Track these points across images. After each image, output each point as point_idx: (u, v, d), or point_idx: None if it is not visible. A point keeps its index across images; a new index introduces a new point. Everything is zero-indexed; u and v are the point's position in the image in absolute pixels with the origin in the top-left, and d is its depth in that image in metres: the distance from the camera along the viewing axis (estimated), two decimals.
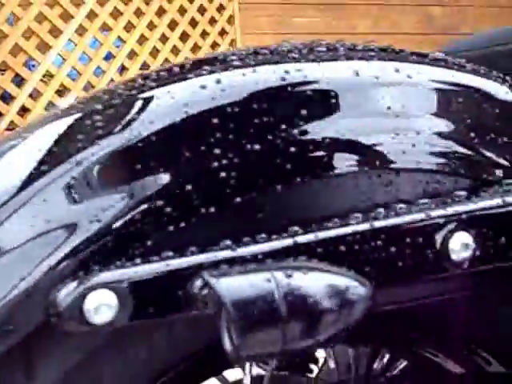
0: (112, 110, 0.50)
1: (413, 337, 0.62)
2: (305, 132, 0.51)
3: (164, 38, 3.91)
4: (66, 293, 0.43)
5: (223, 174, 0.48)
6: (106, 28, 3.71)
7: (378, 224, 0.49)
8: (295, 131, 0.51)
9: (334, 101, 0.53)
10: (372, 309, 0.44)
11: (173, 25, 3.91)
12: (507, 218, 0.52)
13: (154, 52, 3.89)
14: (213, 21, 4.06)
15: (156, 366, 0.54)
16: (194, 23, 3.98)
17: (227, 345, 0.40)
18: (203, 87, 0.50)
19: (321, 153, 0.51)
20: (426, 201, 0.53)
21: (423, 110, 0.56)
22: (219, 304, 0.38)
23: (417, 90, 0.57)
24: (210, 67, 0.52)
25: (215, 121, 0.48)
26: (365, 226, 0.48)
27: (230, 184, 0.48)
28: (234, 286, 0.38)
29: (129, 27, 3.75)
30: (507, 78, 0.63)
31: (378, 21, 4.83)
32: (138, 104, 0.50)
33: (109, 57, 3.76)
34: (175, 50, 3.96)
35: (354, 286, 0.41)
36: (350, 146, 0.52)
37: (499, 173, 0.57)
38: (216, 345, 0.50)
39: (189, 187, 0.47)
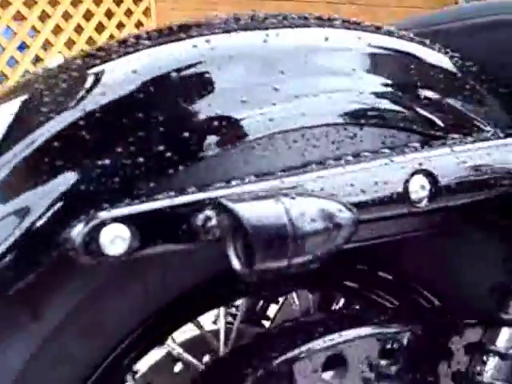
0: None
1: (367, 277, 0.70)
2: (258, 90, 0.57)
3: (79, 29, 3.88)
4: (82, 228, 0.48)
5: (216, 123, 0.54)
6: (19, 18, 3.66)
7: (350, 168, 0.56)
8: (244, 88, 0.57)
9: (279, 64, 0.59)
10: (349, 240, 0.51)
11: (88, 15, 3.89)
12: (454, 163, 0.60)
13: (70, 43, 3.86)
14: (129, 12, 4.07)
15: (148, 305, 0.60)
16: (109, 14, 3.98)
17: (238, 265, 0.46)
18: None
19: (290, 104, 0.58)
20: (386, 150, 0.60)
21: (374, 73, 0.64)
22: (235, 224, 0.44)
23: (356, 55, 0.64)
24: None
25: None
26: (339, 170, 0.55)
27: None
28: (249, 207, 0.45)
29: (43, 17, 3.71)
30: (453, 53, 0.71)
31: None
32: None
33: (23, 47, 3.70)
34: (91, 41, 3.95)
35: (344, 211, 0.49)
36: (311, 102, 0.59)
37: (445, 129, 0.65)
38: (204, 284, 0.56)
39: (186, 134, 0.53)
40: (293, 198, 0.46)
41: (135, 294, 0.58)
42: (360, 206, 0.54)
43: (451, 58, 0.71)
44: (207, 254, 0.58)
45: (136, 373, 0.80)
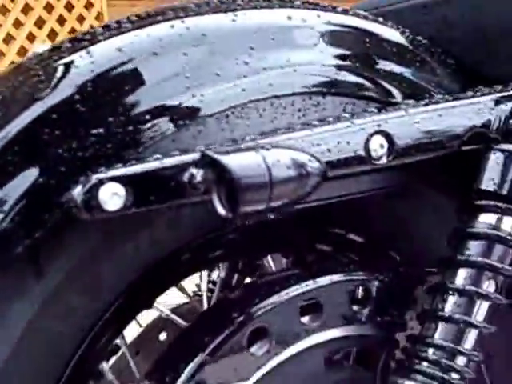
0: None
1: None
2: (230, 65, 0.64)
3: (32, 36, 3.89)
4: (83, 187, 0.54)
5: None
6: None
7: (316, 130, 0.62)
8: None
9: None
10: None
11: (40, 23, 3.90)
12: (409, 124, 0.67)
13: (22, 50, 3.87)
14: (81, 18, 4.08)
15: (138, 264, 0.65)
16: (62, 20, 3.99)
17: (222, 210, 0.52)
18: None
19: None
20: (347, 115, 0.67)
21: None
22: (220, 172, 0.51)
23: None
24: None
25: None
26: (306, 132, 0.62)
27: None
28: (232, 158, 0.51)
29: None
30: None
31: None
32: None
33: None
34: (40, 22, 3.92)
35: (313, 161, 0.55)
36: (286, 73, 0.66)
37: (400, 96, 0.73)
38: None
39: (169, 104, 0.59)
40: (268, 150, 0.53)
41: (126, 255, 0.63)
42: (326, 163, 0.60)
43: (402, 33, 0.78)
44: (191, 218, 0.65)
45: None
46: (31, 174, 0.56)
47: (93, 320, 0.64)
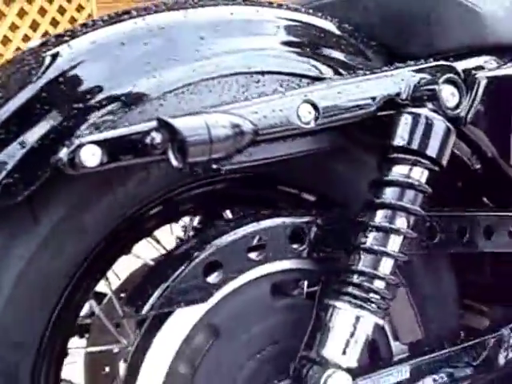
0: None
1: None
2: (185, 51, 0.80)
3: (27, 39, 4.06)
4: (68, 149, 0.70)
5: None
6: None
7: (254, 101, 0.78)
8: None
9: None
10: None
11: (34, 26, 4.07)
12: (332, 94, 0.82)
13: (13, 26, 4.04)
14: (73, 20, 4.25)
15: (116, 215, 0.82)
16: (55, 23, 4.16)
17: (175, 161, 0.68)
18: None
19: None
20: (281, 89, 0.83)
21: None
22: (173, 132, 0.67)
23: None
24: None
25: None
26: (246, 103, 0.78)
27: None
28: (181, 120, 0.68)
29: None
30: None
31: None
32: None
33: None
34: (35, 25, 4.11)
35: (247, 123, 0.72)
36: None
37: (328, 72, 0.89)
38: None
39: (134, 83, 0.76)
40: (209, 113, 0.69)
41: (106, 206, 0.80)
42: (262, 127, 0.76)
43: (331, 21, 0.95)
44: (159, 177, 0.81)
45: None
46: (28, 140, 0.72)
47: (81, 259, 0.80)
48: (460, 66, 0.98)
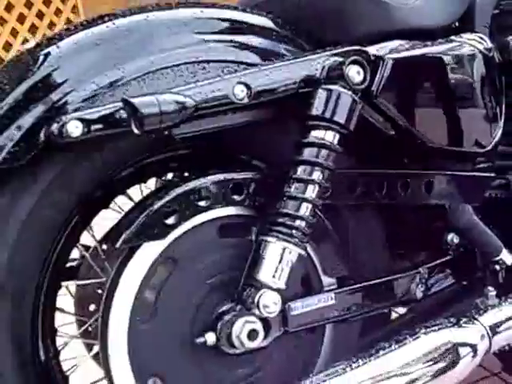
0: None
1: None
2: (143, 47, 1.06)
3: (14, 32, 4.32)
4: (58, 123, 0.96)
5: None
6: None
7: (197, 84, 1.04)
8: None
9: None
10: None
11: (21, 18, 4.33)
12: (262, 75, 1.08)
13: (7, 45, 4.30)
14: (58, 11, 4.51)
15: (96, 176, 1.07)
16: (41, 15, 4.42)
17: (135, 129, 0.94)
18: None
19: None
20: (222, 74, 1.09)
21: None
22: (133, 108, 0.93)
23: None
24: None
25: None
26: (191, 85, 1.04)
27: None
28: (139, 99, 0.93)
29: None
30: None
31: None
32: None
33: None
34: (26, 43, 4.38)
35: (190, 100, 0.98)
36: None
37: (263, 60, 1.14)
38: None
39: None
40: (160, 94, 0.95)
41: (87, 169, 1.05)
42: (203, 103, 1.02)
43: (265, 17, 1.20)
44: (127, 146, 1.07)
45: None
46: (28, 119, 0.98)
47: (70, 209, 1.06)
48: (372, 49, 1.24)
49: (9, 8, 4.32)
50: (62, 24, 4.53)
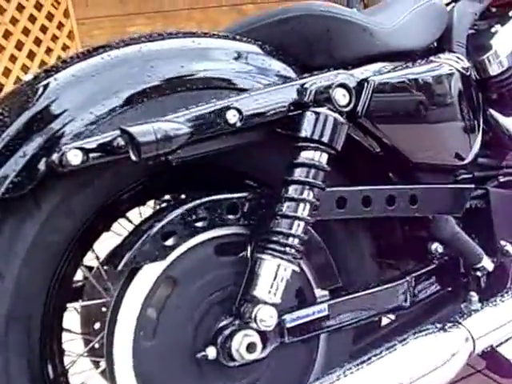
0: None
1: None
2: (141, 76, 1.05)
3: (13, 59, 4.31)
4: (58, 153, 0.95)
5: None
6: None
7: (192, 110, 1.03)
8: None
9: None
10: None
11: (20, 45, 4.32)
12: (253, 101, 1.07)
13: (6, 71, 4.29)
14: (55, 38, 4.50)
15: (97, 201, 1.06)
16: (38, 42, 4.42)
17: (133, 156, 0.94)
18: None
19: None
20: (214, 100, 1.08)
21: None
22: (130, 137, 0.92)
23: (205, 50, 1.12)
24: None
25: None
26: (185, 112, 1.03)
27: None
28: (136, 128, 0.93)
29: None
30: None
31: (200, 22, 5.41)
32: None
33: None
34: (25, 68, 4.38)
35: (184, 127, 0.97)
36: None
37: (254, 85, 1.13)
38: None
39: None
40: (155, 122, 0.95)
41: (90, 193, 1.04)
42: (197, 129, 1.01)
43: (254, 43, 1.19)
44: (127, 171, 1.06)
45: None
46: (29, 149, 0.97)
47: (73, 234, 1.05)
48: (357, 71, 1.24)
49: (7, 35, 4.31)
50: (58, 49, 4.53)
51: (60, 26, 4.54)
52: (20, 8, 4.37)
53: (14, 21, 4.35)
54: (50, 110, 0.99)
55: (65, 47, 4.60)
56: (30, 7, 4.40)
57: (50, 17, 4.50)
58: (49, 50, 4.51)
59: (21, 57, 4.37)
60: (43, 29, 4.46)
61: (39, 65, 4.46)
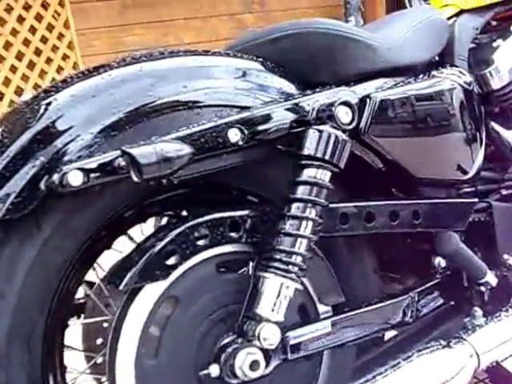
0: None
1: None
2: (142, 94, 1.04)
3: (14, 69, 4.31)
4: (59, 173, 0.94)
5: None
6: None
7: (195, 128, 1.03)
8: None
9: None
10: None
11: (20, 56, 4.32)
12: (257, 118, 1.07)
13: (6, 81, 4.29)
14: (55, 48, 4.50)
15: (98, 219, 1.05)
16: (38, 52, 4.42)
17: (135, 177, 0.93)
18: None
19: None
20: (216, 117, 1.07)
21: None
22: (132, 158, 0.91)
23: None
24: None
25: None
26: (187, 130, 1.02)
27: None
28: (138, 149, 0.92)
29: None
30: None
31: (198, 32, 5.41)
32: None
33: None
34: (25, 78, 4.38)
35: (187, 147, 0.96)
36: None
37: (255, 102, 1.12)
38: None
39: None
40: (157, 143, 0.94)
41: (91, 212, 1.03)
42: (199, 149, 1.00)
43: (256, 60, 1.18)
44: (128, 190, 1.05)
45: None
46: (29, 171, 0.96)
47: (74, 254, 1.04)
48: (359, 88, 1.24)
49: (7, 46, 4.31)
50: (58, 59, 4.53)
51: (60, 36, 4.54)
52: (20, 20, 4.38)
53: (14, 32, 4.35)
54: (50, 130, 0.99)
55: (64, 57, 4.60)
56: (31, 18, 4.40)
57: (50, 28, 4.50)
58: (49, 60, 4.51)
59: (21, 67, 4.37)
60: (43, 39, 4.45)
61: (39, 74, 4.46)
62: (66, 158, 0.97)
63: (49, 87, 1.05)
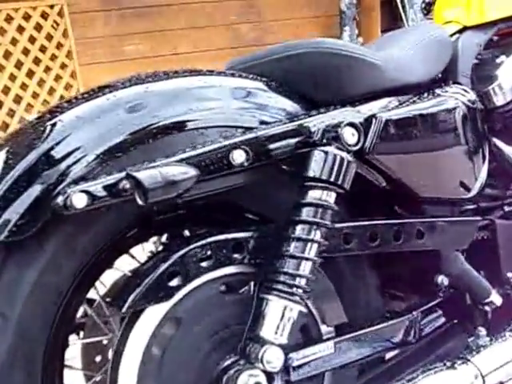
0: None
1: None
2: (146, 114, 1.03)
3: (13, 77, 4.31)
4: (63, 195, 0.93)
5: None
6: None
7: (199, 149, 1.02)
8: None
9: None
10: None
11: (19, 65, 4.32)
12: (260, 139, 1.06)
13: (6, 90, 4.29)
14: (54, 57, 4.51)
15: (99, 239, 1.04)
16: (37, 61, 4.42)
17: (139, 201, 0.92)
18: None
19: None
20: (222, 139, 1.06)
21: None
22: (137, 182, 0.90)
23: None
24: None
25: None
26: (191, 151, 1.02)
27: None
28: (142, 172, 0.91)
29: None
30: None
31: (196, 41, 5.41)
32: None
33: None
34: (24, 87, 4.38)
35: (192, 170, 0.95)
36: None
37: (259, 123, 1.12)
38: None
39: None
40: (160, 166, 0.93)
41: (93, 233, 1.03)
42: (203, 170, 1.00)
43: (260, 80, 1.17)
44: (130, 211, 1.04)
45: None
46: (33, 193, 0.95)
47: (75, 273, 1.03)
48: (364, 108, 1.23)
49: (7, 55, 4.31)
50: (57, 68, 4.53)
51: (59, 45, 4.55)
52: (20, 29, 4.38)
53: (14, 41, 4.36)
54: (54, 151, 0.98)
55: (63, 66, 4.61)
56: (30, 28, 4.40)
57: (49, 37, 4.50)
58: (48, 69, 4.52)
59: (20, 75, 4.37)
60: (43, 49, 4.46)
61: (38, 83, 4.47)
62: (70, 180, 0.96)
63: (53, 108, 1.04)
